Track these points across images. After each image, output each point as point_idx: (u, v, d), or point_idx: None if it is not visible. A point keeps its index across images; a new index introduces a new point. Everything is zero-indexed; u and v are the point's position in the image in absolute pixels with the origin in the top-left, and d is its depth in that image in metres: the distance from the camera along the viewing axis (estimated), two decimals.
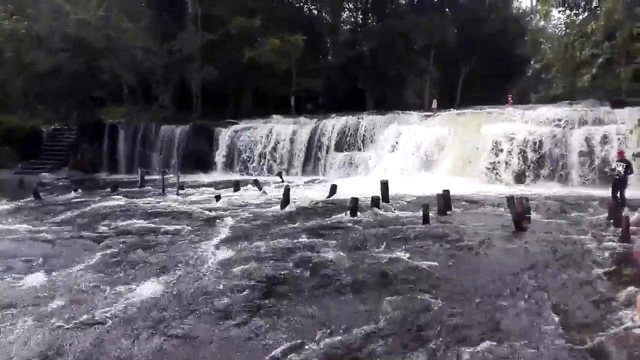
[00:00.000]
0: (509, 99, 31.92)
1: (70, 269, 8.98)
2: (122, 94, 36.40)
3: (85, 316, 6.64)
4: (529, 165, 19.94)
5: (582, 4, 29.47)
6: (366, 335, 5.97)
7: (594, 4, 28.51)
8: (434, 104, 31.95)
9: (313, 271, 8.49)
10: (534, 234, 10.89)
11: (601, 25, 24.42)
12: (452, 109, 27.60)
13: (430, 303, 6.88)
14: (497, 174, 20.32)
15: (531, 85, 48.02)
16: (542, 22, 44.65)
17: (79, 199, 18.89)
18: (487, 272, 8.36)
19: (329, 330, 6.06)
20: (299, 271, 8.46)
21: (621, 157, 14.35)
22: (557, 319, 6.28)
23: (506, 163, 20.22)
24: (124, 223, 13.43)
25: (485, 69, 41.51)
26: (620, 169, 13.84)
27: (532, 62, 47.66)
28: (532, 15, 47.00)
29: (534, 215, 12.44)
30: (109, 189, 21.17)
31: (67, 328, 6.30)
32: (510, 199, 12.13)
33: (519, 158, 20.10)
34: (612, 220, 11.48)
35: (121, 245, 10.76)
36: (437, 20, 38.50)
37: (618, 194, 13.89)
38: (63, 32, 32.35)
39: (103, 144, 32.54)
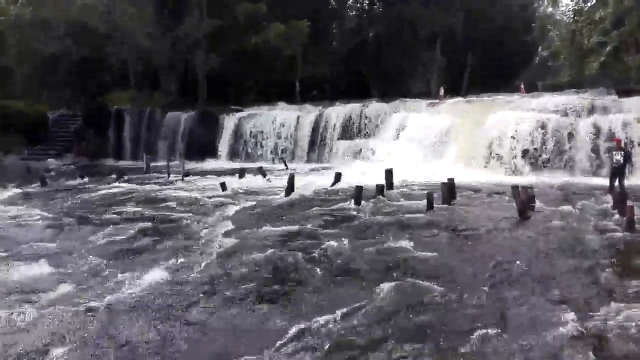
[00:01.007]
0: (522, 87, 31.36)
1: (76, 255, 9.08)
2: (128, 79, 36.41)
3: (91, 303, 6.72)
4: (535, 154, 19.82)
5: None
6: (368, 322, 6.02)
7: None
8: (442, 91, 31.74)
9: (317, 259, 8.54)
10: (538, 223, 10.87)
11: (609, 12, 24.16)
12: (459, 97, 27.39)
13: (433, 291, 6.91)
14: (502, 162, 20.21)
15: (538, 73, 47.65)
16: (550, 9, 44.19)
17: (84, 186, 19.02)
18: (491, 260, 8.37)
19: (332, 316, 6.11)
20: (303, 259, 8.51)
21: (619, 145, 14.23)
22: (562, 308, 6.29)
23: (512, 151, 20.11)
24: (130, 210, 13.53)
25: (492, 58, 41.18)
26: (619, 157, 13.75)
27: (539, 50, 47.26)
28: (540, 2, 46.50)
29: (538, 204, 12.39)
30: (114, 176, 21.28)
31: (74, 314, 6.39)
32: (515, 188, 12.10)
33: (524, 146, 19.98)
34: (616, 210, 11.45)
35: (127, 232, 10.85)
36: (443, 9, 38.14)
37: (617, 183, 13.82)
38: (68, 17, 32.28)
39: (109, 130, 32.65)
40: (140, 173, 22.86)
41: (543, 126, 20.01)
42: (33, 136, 31.79)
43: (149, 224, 11.64)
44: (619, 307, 6.25)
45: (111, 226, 11.40)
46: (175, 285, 7.38)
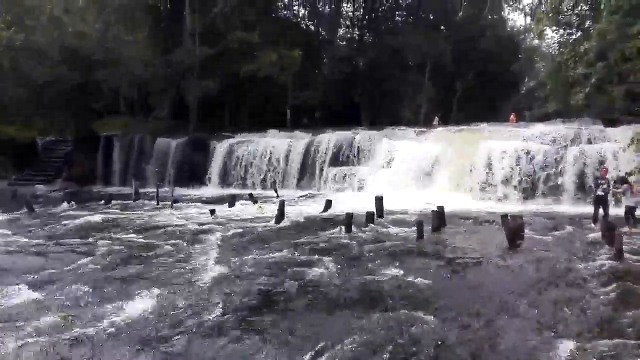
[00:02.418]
0: (512, 116, 31.46)
1: (61, 283, 8.90)
2: (119, 105, 36.45)
3: (75, 332, 6.57)
4: (523, 182, 20.00)
5: (576, 24, 29.87)
6: (357, 352, 5.93)
7: (587, 24, 28.92)
8: (436, 120, 32.07)
9: (306, 287, 8.45)
10: (527, 252, 10.89)
11: (594, 45, 24.74)
12: (454, 126, 27.59)
13: (423, 320, 6.84)
14: (491, 190, 20.36)
15: (525, 102, 48.45)
16: (536, 41, 45.20)
17: (72, 212, 18.81)
18: (481, 289, 8.34)
19: (320, 347, 6.01)
20: (292, 287, 8.42)
21: (603, 175, 14.36)
22: (553, 339, 6.25)
23: (500, 180, 20.27)
24: (117, 237, 13.36)
25: (480, 86, 41.91)
26: (605, 187, 13.89)
27: (526, 80, 48.15)
28: (527, 34, 47.59)
29: (527, 232, 12.45)
30: (102, 202, 21.11)
31: (58, 344, 6.22)
32: (504, 217, 12.17)
33: (513, 175, 20.18)
34: (605, 239, 11.51)
35: (114, 259, 10.70)
36: (432, 38, 38.93)
37: (601, 213, 13.92)
38: (61, 43, 32.45)
39: (98, 156, 32.55)
40: (128, 199, 22.69)
41: (531, 155, 20.26)
42: (21, 161, 31.55)
43: (136, 252, 11.48)
44: (611, 337, 6.22)
45: (98, 253, 11.23)
46: (162, 315, 7.24)
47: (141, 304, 7.59)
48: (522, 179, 20.02)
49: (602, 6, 24.18)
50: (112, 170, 32.44)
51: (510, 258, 10.43)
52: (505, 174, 20.26)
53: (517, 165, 20.25)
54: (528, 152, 20.35)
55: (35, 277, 9.29)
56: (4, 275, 9.40)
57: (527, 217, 14.36)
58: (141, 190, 24.53)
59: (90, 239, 12.95)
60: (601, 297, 7.82)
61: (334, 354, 5.89)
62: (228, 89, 36.00)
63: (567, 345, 6.02)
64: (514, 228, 11.50)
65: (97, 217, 16.88)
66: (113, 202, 21.02)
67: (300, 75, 37.08)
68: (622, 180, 13.71)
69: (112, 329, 6.66)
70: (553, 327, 6.66)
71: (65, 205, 20.16)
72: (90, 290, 8.41)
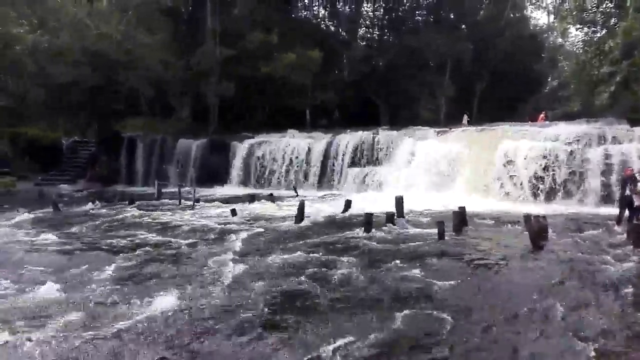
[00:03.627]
0: (542, 116, 30.58)
1: (86, 280, 9.06)
2: (140, 106, 36.96)
3: (100, 330, 6.66)
4: (547, 183, 19.69)
5: (600, 21, 29.30)
6: (379, 353, 5.90)
7: (612, 22, 28.34)
8: (465, 119, 31.75)
9: (326, 287, 8.45)
10: (551, 253, 10.70)
11: (619, 43, 24.24)
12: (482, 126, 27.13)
13: (444, 322, 6.78)
14: (513, 191, 20.10)
15: (547, 102, 47.71)
16: (559, 39, 44.49)
17: (96, 211, 19.14)
18: (503, 291, 8.24)
19: (342, 346, 6.00)
20: (312, 287, 8.42)
21: (629, 175, 14.01)
22: (580, 344, 6.12)
23: (523, 181, 20.00)
24: (140, 236, 13.55)
25: (501, 86, 41.39)
26: (632, 187, 13.55)
27: (549, 80, 47.39)
28: (550, 33, 46.86)
29: (551, 234, 12.25)
30: (126, 202, 21.43)
31: (82, 342, 6.32)
32: (527, 217, 11.98)
33: (536, 175, 19.88)
34: (631, 240, 11.25)
35: (137, 258, 10.84)
36: (452, 37, 38.60)
37: (626, 214, 13.59)
38: (84, 45, 33.04)
39: (121, 156, 33.06)
40: (151, 199, 23.02)
41: (555, 155, 19.94)
42: (47, 162, 32.20)
43: (159, 251, 11.63)
44: (638, 341, 6.07)
45: (121, 252, 11.40)
46: (184, 314, 7.31)
47: (163, 303, 7.65)
48: (544, 179, 19.71)
49: (628, 3, 23.68)
50: (135, 170, 32.92)
51: (533, 259, 10.26)
52: (528, 174, 19.97)
53: (539, 165, 19.94)
54: (551, 152, 20.03)
55: (61, 274, 9.46)
56: (31, 272, 9.60)
57: (550, 218, 14.12)
58: (163, 190, 24.83)
59: (114, 239, 13.15)
60: (627, 300, 7.64)
61: (355, 353, 5.88)
62: (247, 90, 36.25)
63: (592, 350, 5.89)
64: (537, 229, 11.32)
65: (120, 217, 17.15)
66: (136, 202, 21.30)
67: (320, 75, 37.14)
68: None
69: (135, 328, 6.74)
70: (578, 331, 6.52)
71: (89, 205, 20.52)
72: (114, 288, 8.53)
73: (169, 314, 7.29)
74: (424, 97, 42.74)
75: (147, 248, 11.89)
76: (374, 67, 42.43)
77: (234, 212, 17.01)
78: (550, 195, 19.51)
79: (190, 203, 20.34)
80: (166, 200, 22.42)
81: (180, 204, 20.86)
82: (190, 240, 12.78)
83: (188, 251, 11.60)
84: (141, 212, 18.59)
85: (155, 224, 15.77)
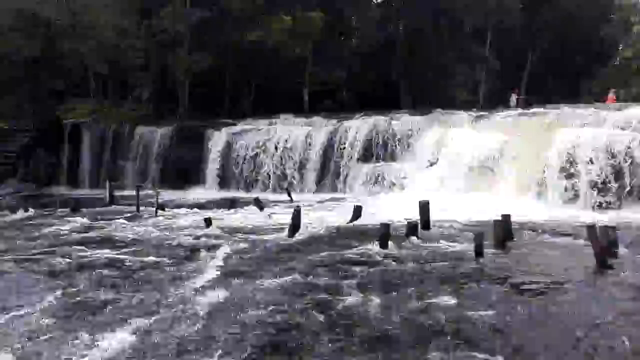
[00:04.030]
0: (611, 96, 30.31)
1: (20, 312, 9.04)
2: (89, 85, 36.91)
3: None
4: (616, 184, 19.66)
5: None
6: None
7: None
8: (513, 98, 31.64)
9: (330, 320, 8.43)
10: (622, 275, 10.69)
11: None
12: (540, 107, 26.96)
13: None
14: (574, 194, 20.07)
15: (618, 78, 47.59)
16: None
17: (30, 221, 19.11)
18: (560, 324, 8.22)
19: None
20: (311, 321, 8.41)
21: None
22: None
23: (586, 180, 19.97)
24: (88, 253, 13.52)
25: (557, 58, 41.35)
26: None
27: (620, 49, 47.28)
28: None
29: (622, 250, 12.23)
30: (68, 209, 21.38)
31: None
32: (592, 228, 11.94)
33: (603, 174, 19.84)
34: None
35: (83, 282, 10.83)
36: None
37: None
38: (16, 7, 32.99)
39: (63, 149, 32.98)
40: (101, 205, 22.96)
41: (626, 148, 19.89)
42: None
43: (112, 272, 11.61)
44: None
45: (63, 275, 11.39)
46: (143, 355, 7.30)
47: (117, 341, 7.65)
48: (614, 178, 19.68)
49: None
50: (81, 168, 32.84)
51: (599, 283, 10.25)
52: (592, 172, 19.93)
53: (608, 160, 19.91)
54: (621, 144, 19.98)
55: None
56: None
57: (621, 229, 14.11)
58: (117, 194, 24.77)
59: (54, 257, 13.11)
60: None
61: None
62: (227, 64, 36.17)
63: None
64: (604, 243, 11.29)
65: (62, 229, 17.12)
66: (82, 209, 21.25)
67: (322, 45, 37.05)
68: None
69: None
70: None
71: (21, 212, 20.48)
72: (54, 321, 8.51)
73: (124, 354, 7.28)
74: (458, 72, 42.68)
75: (97, 269, 11.85)
76: (392, 34, 42.35)
77: (208, 222, 16.96)
78: (621, 200, 19.47)
79: (152, 210, 20.30)
80: (121, 207, 22.33)
81: (139, 211, 20.79)
82: (153, 259, 12.74)
83: (150, 273, 11.57)
84: (89, 222, 18.54)
85: (106, 237, 15.71)
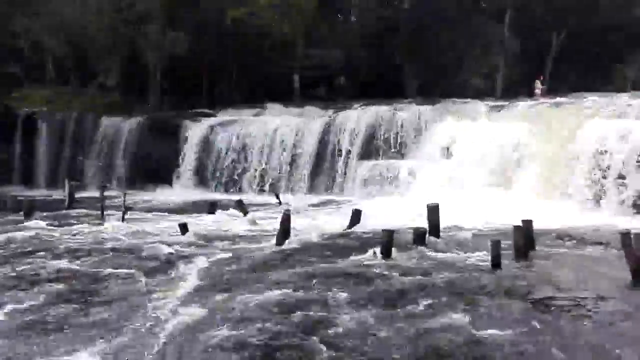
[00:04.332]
0: None
1: None
2: (46, 69, 36.79)
3: None
4: None
5: None
6: None
7: None
8: (538, 86, 31.77)
9: (323, 342, 8.39)
10: None
11: None
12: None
13: None
14: (604, 196, 20.13)
15: None
16: None
17: None
18: (588, 347, 8.23)
19: None
20: (304, 340, 8.38)
21: None
22: None
23: (619, 180, 20.02)
24: (43, 264, 13.44)
25: (587, 39, 41.38)
26: None
27: None
28: None
29: None
30: (21, 212, 21.28)
31: None
32: (626, 236, 11.96)
33: (637, 174, 19.90)
34: None
35: (38, 298, 10.74)
36: None
37: None
38: None
39: (14, 143, 32.83)
40: (60, 208, 22.90)
41: None
42: None
43: (72, 287, 11.54)
44: None
45: (14, 289, 11.31)
46: None
47: None
48: None
49: None
50: (36, 164, 32.74)
51: (633, 299, 10.26)
52: (627, 170, 20.00)
53: None
54: None
55: None
56: None
57: None
58: (78, 196, 24.67)
59: (5, 269, 13.04)
60: None
61: None
62: (206, 46, 36.09)
63: None
64: None
65: (13, 235, 17.01)
66: (37, 212, 21.15)
67: (316, 24, 37.05)
68: None
69: None
70: None
71: None
72: (7, 343, 8.46)
73: None
74: (473, 56, 42.67)
75: (53, 283, 11.79)
76: (396, 12, 42.35)
77: (184, 229, 16.92)
78: None
79: (118, 214, 20.23)
80: (83, 210, 22.29)
81: (103, 215, 20.69)
82: (119, 271, 12.68)
83: (115, 288, 11.52)
84: (45, 227, 18.46)
85: (65, 246, 15.62)
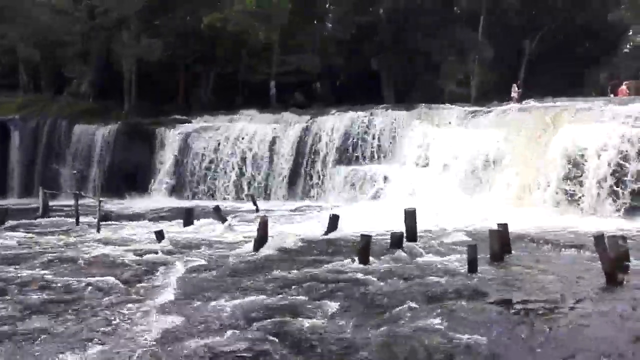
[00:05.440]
0: (624, 87, 30.32)
1: None
2: (18, 75, 36.46)
3: None
4: (627, 189, 19.93)
5: None
6: None
7: None
8: (515, 90, 31.98)
9: (302, 347, 8.41)
10: (634, 291, 10.81)
11: None
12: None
13: None
14: (578, 200, 20.32)
15: (629, 66, 48.34)
16: None
17: None
18: (563, 350, 8.29)
19: None
20: (281, 347, 8.38)
21: None
22: None
23: (592, 184, 20.22)
24: (17, 274, 13.30)
25: (560, 45, 41.80)
26: None
27: (630, 34, 48.03)
28: None
29: (634, 263, 12.38)
30: None
31: None
32: (600, 239, 12.09)
33: (612, 175, 20.11)
34: None
35: (12, 307, 10.64)
36: None
37: None
38: None
39: None
40: (34, 217, 22.69)
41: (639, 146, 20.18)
42: None
43: (46, 296, 11.42)
44: None
45: None
46: None
47: None
48: (624, 182, 19.96)
49: None
50: (9, 172, 32.39)
51: (607, 301, 10.35)
52: (600, 174, 20.19)
53: (617, 161, 20.19)
54: (631, 143, 20.27)
55: None
56: None
57: (633, 239, 14.32)
58: (53, 204, 24.46)
59: None
60: None
61: None
62: (182, 52, 35.97)
63: None
64: (614, 255, 11.42)
65: None
66: (10, 221, 20.93)
67: (292, 29, 37.07)
68: None
69: None
70: None
71: None
72: None
73: None
74: (448, 62, 42.87)
75: (27, 293, 11.68)
76: (373, 17, 42.46)
77: (160, 236, 16.86)
78: (632, 207, 19.72)
79: (94, 222, 20.09)
80: (57, 219, 22.09)
81: (78, 224, 20.59)
82: (95, 280, 12.55)
83: (91, 297, 11.42)
84: (18, 236, 18.29)
85: (39, 255, 15.47)
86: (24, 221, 21.47)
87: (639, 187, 19.82)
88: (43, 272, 13.50)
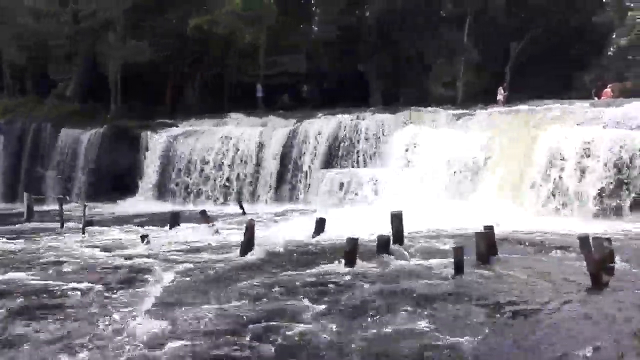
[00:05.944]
0: (608, 90, 30.38)
1: None
2: (2, 78, 36.28)
3: None
4: (614, 189, 20.02)
5: None
6: None
7: None
8: (501, 93, 32.10)
9: (288, 351, 8.41)
10: (619, 293, 10.88)
11: None
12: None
13: None
14: (564, 202, 20.40)
15: (613, 69, 48.65)
16: None
17: None
18: (549, 352, 8.33)
19: None
20: (267, 351, 8.38)
21: None
22: None
23: (577, 186, 20.31)
24: (1, 278, 13.23)
25: (545, 47, 41.97)
26: None
27: (614, 37, 48.34)
28: None
29: (620, 265, 12.45)
30: None
31: None
32: (585, 240, 12.14)
33: (599, 178, 20.20)
34: None
35: None
36: None
37: None
38: None
39: None
40: (18, 222, 22.65)
41: (625, 149, 20.28)
42: None
43: (30, 302, 11.40)
44: None
45: None
46: None
47: None
48: (609, 184, 20.06)
49: None
50: None
51: (592, 303, 10.40)
52: (585, 176, 20.29)
53: (602, 163, 20.28)
54: (621, 144, 20.37)
55: None
56: None
57: (617, 241, 14.40)
58: (38, 208, 24.36)
59: None
60: None
61: None
62: (168, 55, 35.89)
63: None
64: (599, 258, 11.47)
65: None
66: None
67: (278, 33, 37.06)
68: None
69: None
70: None
71: None
72: None
73: None
74: (435, 64, 42.92)
75: (10, 298, 11.63)
76: (359, 20, 42.49)
77: (145, 240, 16.84)
78: (620, 207, 19.82)
79: (79, 226, 20.03)
80: (42, 224, 22.03)
81: (62, 227, 20.55)
82: (79, 285, 12.51)
83: (75, 302, 11.38)
84: (2, 241, 18.19)
85: (23, 259, 15.45)
86: (8, 226, 21.35)
87: (626, 189, 19.93)
88: (27, 276, 13.45)
